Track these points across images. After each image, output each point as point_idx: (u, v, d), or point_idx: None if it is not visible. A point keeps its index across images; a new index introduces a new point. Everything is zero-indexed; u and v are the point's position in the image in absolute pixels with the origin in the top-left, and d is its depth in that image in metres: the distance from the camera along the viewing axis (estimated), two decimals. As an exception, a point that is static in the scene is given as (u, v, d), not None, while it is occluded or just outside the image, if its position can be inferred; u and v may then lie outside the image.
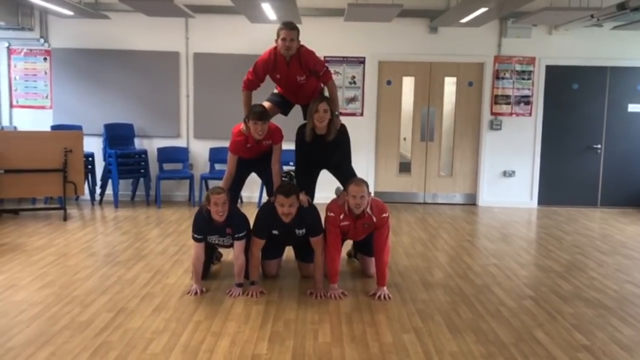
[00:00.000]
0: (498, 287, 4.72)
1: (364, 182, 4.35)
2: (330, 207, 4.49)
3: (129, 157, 7.96)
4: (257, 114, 4.49)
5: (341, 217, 4.41)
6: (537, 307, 4.27)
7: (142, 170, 8.07)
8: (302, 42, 4.62)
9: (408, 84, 8.54)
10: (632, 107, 8.44)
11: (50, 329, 3.66)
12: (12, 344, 3.43)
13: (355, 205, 4.30)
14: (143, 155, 8.06)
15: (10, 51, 8.24)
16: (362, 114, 8.38)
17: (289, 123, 5.00)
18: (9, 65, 8.27)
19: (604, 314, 4.14)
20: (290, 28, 4.48)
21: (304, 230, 4.49)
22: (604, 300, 4.45)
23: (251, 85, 4.73)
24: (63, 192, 6.99)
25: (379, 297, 4.36)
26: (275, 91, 5.00)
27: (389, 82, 8.46)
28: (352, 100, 8.36)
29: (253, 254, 4.47)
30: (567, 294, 4.59)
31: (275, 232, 4.49)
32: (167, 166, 8.21)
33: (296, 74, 4.63)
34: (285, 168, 5.08)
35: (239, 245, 4.43)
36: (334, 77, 4.91)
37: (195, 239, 4.42)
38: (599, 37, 8.15)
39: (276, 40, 4.56)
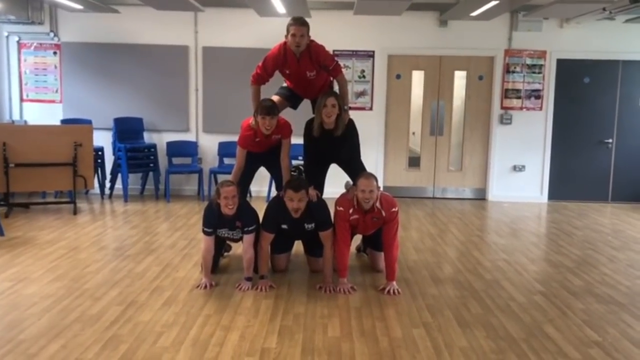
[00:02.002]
0: (508, 282, 4.70)
1: (373, 176, 4.34)
2: (339, 201, 4.48)
3: (139, 151, 7.98)
4: (266, 109, 4.47)
5: (350, 211, 4.40)
6: (547, 302, 4.25)
7: (152, 164, 8.08)
8: (311, 36, 4.59)
9: (417, 78, 8.50)
10: (644, 101, 8.39)
11: (61, 321, 3.68)
12: (24, 337, 3.45)
13: (364, 199, 4.29)
14: (152, 149, 8.08)
15: (20, 45, 8.27)
16: (371, 108, 8.35)
17: (298, 117, 4.99)
18: (19, 60, 8.30)
19: (616, 310, 4.11)
20: (300, 24, 4.45)
21: (313, 225, 4.49)
22: (616, 296, 4.42)
23: (260, 79, 4.71)
24: (73, 186, 7.01)
25: (389, 291, 4.35)
26: (284, 85, 4.98)
27: (398, 76, 8.42)
28: (361, 94, 8.33)
29: (262, 248, 4.47)
30: (578, 289, 4.56)
31: (284, 226, 4.49)
32: (176, 160, 8.23)
33: (306, 70, 4.61)
34: (294, 162, 5.07)
35: (248, 238, 4.43)
36: (343, 71, 4.88)
37: (205, 233, 4.43)
38: (610, 30, 8.06)
39: (286, 36, 4.54)
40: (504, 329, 3.74)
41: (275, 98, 4.85)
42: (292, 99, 4.95)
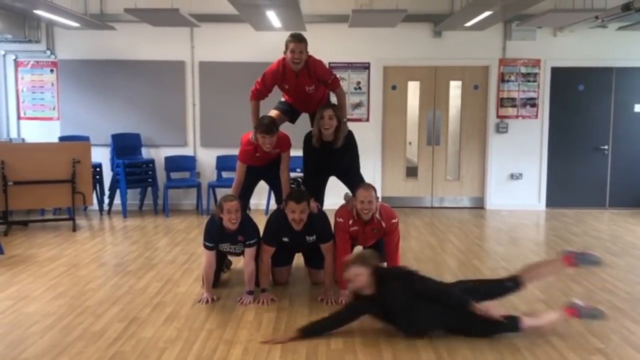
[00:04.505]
0: (509, 291, 4.70)
1: (371, 187, 4.37)
2: (339, 212, 4.50)
3: (137, 167, 7.99)
4: (265, 128, 4.50)
5: (350, 222, 4.42)
6: (549, 310, 4.25)
7: (150, 180, 8.09)
8: (309, 52, 4.62)
9: (413, 89, 8.56)
10: (639, 108, 8.42)
11: (64, 339, 3.68)
12: (27, 355, 3.44)
13: (363, 210, 4.31)
14: (150, 165, 8.09)
15: (17, 64, 8.30)
16: (367, 120, 8.39)
17: (297, 130, 5.02)
18: (16, 78, 8.32)
19: (617, 317, 4.12)
20: (298, 40, 4.49)
21: (314, 237, 4.50)
22: (617, 302, 4.43)
23: (259, 95, 4.75)
24: (72, 202, 7.01)
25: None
26: (283, 99, 5.01)
27: (394, 87, 8.47)
28: (357, 105, 8.37)
29: (263, 261, 4.47)
30: (578, 296, 4.55)
31: (285, 239, 4.49)
32: (174, 175, 8.24)
33: (305, 85, 4.65)
34: (293, 175, 5.09)
35: (249, 252, 4.44)
36: (341, 83, 4.92)
37: (206, 247, 4.43)
38: (604, 38, 8.14)
39: (284, 52, 4.57)
40: (506, 337, 3.73)
41: (274, 112, 4.88)
42: (290, 113, 4.99)
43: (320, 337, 3.70)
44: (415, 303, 3.65)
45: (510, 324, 3.70)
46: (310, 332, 3.71)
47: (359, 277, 3.70)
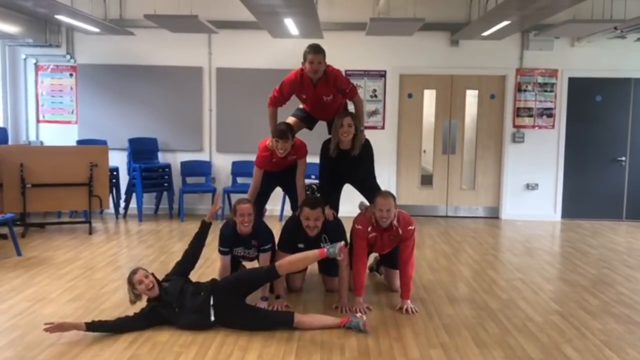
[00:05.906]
0: (524, 302, 4.67)
1: (390, 195, 4.38)
2: (357, 219, 4.52)
3: (153, 171, 8.05)
4: (278, 133, 4.56)
5: (369, 229, 4.44)
6: (564, 322, 4.22)
7: (166, 184, 8.15)
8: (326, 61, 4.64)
9: (429, 97, 8.55)
10: (658, 119, 8.36)
11: (81, 341, 3.70)
12: (44, 357, 3.48)
13: (382, 218, 4.32)
14: (167, 169, 8.15)
15: (37, 67, 8.41)
16: (383, 127, 8.40)
17: (314, 137, 5.04)
18: (36, 81, 8.43)
19: (634, 330, 4.08)
20: (316, 51, 4.51)
21: (329, 244, 4.49)
22: (634, 316, 4.38)
23: (277, 102, 4.79)
24: (88, 205, 7.08)
25: (406, 310, 4.35)
26: (301, 106, 5.04)
27: (410, 95, 8.47)
28: (373, 113, 8.38)
29: (278, 268, 4.48)
30: (595, 309, 4.53)
31: (300, 245, 4.50)
32: (190, 180, 8.29)
33: (322, 95, 4.68)
34: (307, 181, 5.11)
35: (264, 258, 4.47)
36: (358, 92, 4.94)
37: (221, 252, 4.46)
38: (622, 48, 8.08)
39: (303, 63, 4.60)
40: (521, 349, 3.72)
41: (292, 119, 4.91)
42: (308, 120, 5.01)
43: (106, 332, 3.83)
44: (192, 298, 4.01)
45: (285, 319, 4.00)
46: (95, 327, 3.80)
47: None
